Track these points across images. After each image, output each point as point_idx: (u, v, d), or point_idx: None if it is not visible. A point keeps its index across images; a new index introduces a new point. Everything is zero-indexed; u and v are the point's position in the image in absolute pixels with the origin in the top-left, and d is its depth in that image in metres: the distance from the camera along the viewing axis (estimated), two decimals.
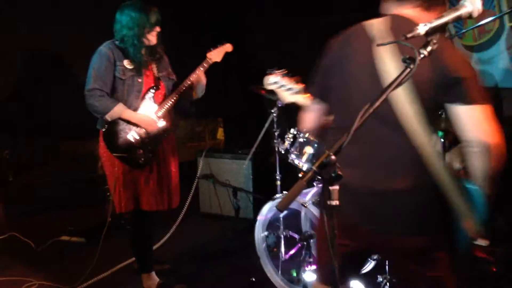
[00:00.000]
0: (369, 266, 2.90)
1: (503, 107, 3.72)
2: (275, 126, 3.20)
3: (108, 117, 2.85)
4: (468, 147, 1.58)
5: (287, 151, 2.98)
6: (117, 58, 2.87)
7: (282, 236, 3.13)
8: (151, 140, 2.98)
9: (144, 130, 2.94)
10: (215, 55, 3.10)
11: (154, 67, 3.04)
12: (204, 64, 3.05)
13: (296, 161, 2.90)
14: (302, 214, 2.93)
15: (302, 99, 2.63)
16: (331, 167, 1.20)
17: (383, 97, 1.27)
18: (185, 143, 5.25)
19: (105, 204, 4.36)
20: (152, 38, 2.90)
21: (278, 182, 3.44)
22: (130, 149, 2.92)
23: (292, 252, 3.15)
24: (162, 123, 3.01)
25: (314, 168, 1.20)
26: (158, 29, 2.90)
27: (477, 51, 3.87)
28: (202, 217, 4.59)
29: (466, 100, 1.53)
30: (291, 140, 2.99)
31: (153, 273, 3.16)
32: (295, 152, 2.92)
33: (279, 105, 3.14)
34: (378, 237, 1.70)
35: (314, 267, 2.82)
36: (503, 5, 3.62)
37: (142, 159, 2.94)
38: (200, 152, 4.54)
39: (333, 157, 1.20)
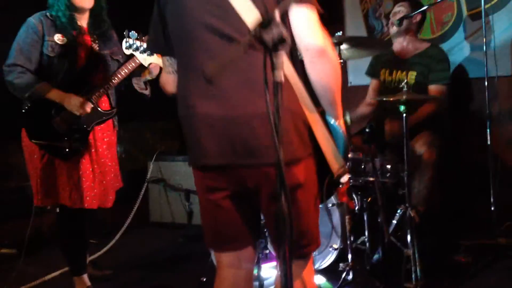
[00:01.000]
0: (330, 258, 2.63)
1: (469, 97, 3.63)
2: None
3: (29, 97, 2.50)
4: (302, 56, 1.46)
5: None
6: (46, 32, 2.55)
7: None
8: (80, 127, 2.57)
9: (71, 114, 2.52)
10: None
11: (95, 43, 2.69)
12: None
13: None
14: None
15: (158, 58, 2.48)
16: (273, 27, 0.95)
17: None
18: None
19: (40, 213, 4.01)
20: None
21: None
22: (54, 137, 2.52)
23: None
24: (95, 108, 2.61)
25: (252, 30, 0.96)
26: None
27: (437, 44, 3.77)
28: (152, 227, 4.23)
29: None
30: None
31: (85, 276, 2.73)
32: None
33: None
34: (250, 172, 1.48)
35: (272, 262, 2.52)
36: None
37: (67, 149, 2.53)
38: (150, 155, 4.21)
39: (277, 16, 0.96)
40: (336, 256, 2.62)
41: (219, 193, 1.56)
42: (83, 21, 2.67)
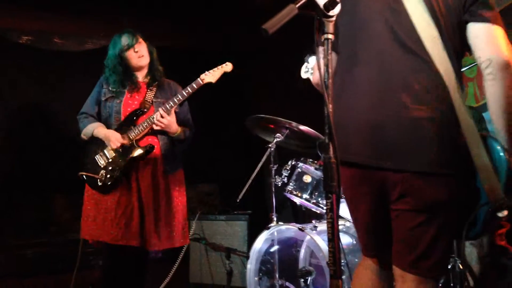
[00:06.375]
0: None
1: None
2: (272, 161, 2.98)
3: (84, 135, 2.87)
4: (483, 70, 1.42)
5: (285, 183, 2.78)
6: (104, 83, 2.93)
7: (277, 285, 2.78)
8: (116, 161, 2.77)
9: (110, 148, 2.79)
10: (210, 76, 2.85)
11: (150, 92, 2.92)
12: (194, 85, 2.79)
13: (295, 192, 2.70)
14: (303, 246, 2.63)
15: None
16: None
17: None
18: None
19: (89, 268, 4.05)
20: (133, 59, 2.86)
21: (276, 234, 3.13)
22: (94, 169, 2.80)
23: None
24: (132, 144, 2.78)
25: None
26: (136, 48, 2.84)
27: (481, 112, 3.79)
28: None
29: (482, 16, 1.42)
30: (289, 171, 2.81)
31: None
32: (293, 183, 2.72)
33: (276, 139, 2.95)
34: (395, 178, 1.43)
35: None
36: None
37: (101, 182, 2.74)
38: (193, 215, 4.25)
39: None
40: None
41: (360, 193, 1.56)
42: (140, 75, 2.96)
